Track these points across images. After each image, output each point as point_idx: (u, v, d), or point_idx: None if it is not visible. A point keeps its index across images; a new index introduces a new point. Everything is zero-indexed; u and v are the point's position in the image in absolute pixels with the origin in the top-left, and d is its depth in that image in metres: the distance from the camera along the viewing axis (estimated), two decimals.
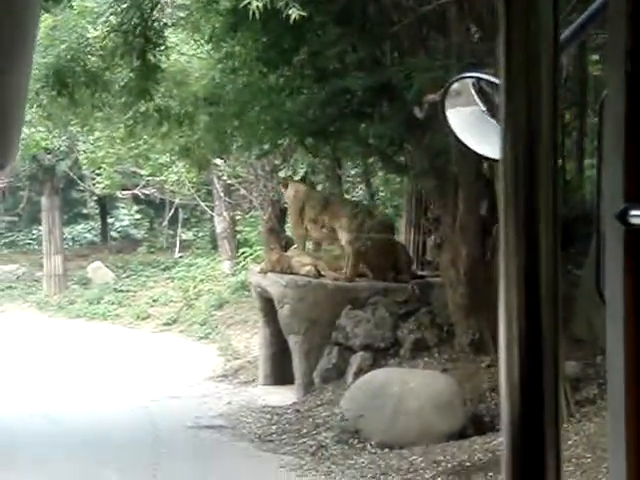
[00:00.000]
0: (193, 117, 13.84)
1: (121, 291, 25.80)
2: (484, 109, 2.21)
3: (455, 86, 2.15)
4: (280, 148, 17.71)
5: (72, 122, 16.09)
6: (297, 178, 18.49)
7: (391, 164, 14.20)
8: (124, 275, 27.34)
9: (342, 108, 12.94)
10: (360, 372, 13.41)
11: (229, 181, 23.74)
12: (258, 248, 24.52)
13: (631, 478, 1.29)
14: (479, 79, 2.25)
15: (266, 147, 16.21)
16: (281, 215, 22.23)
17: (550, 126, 0.99)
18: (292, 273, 14.71)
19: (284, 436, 12.21)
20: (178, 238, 27.91)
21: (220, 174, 23.09)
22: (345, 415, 11.87)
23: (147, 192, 25.92)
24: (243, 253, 24.83)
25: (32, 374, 16.77)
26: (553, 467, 0.98)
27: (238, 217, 25.76)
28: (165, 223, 27.51)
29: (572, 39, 1.62)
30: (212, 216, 28.18)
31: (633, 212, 1.28)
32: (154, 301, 24.59)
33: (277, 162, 20.59)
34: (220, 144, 15.10)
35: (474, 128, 2.25)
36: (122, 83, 13.21)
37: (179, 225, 28.22)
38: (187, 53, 14.75)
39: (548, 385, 0.98)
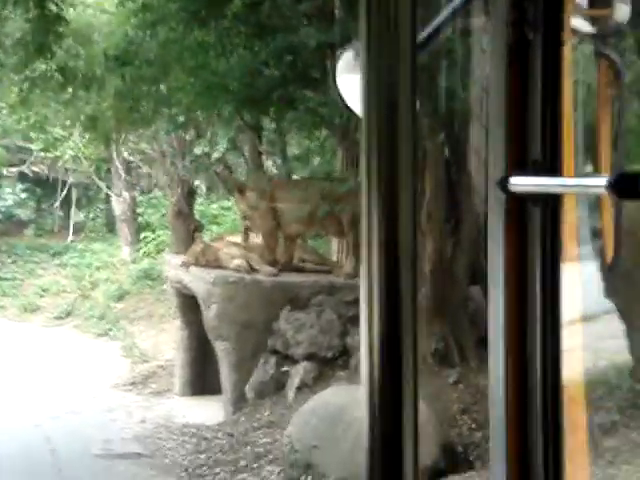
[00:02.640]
0: (103, 80, 11.45)
1: (5, 279, 23.08)
2: None
3: (348, 53, 1.85)
4: (195, 120, 15.52)
5: None
6: (216, 155, 16.25)
7: (347, 139, 12.02)
8: (9, 261, 24.61)
9: (287, 71, 10.77)
10: (303, 387, 11.31)
11: (130, 158, 21.33)
12: (161, 232, 22.21)
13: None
14: None
15: (181, 119, 13.97)
16: (189, 196, 19.99)
17: (408, 90, 0.99)
18: (220, 267, 12.47)
19: (217, 469, 10.00)
20: (71, 221, 25.23)
21: (120, 150, 20.65)
22: (294, 445, 9.70)
23: (36, 169, 23.23)
24: (145, 238, 22.45)
25: None
26: (410, 419, 1.00)
27: (139, 198, 23.32)
28: (57, 204, 24.79)
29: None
30: (109, 196, 25.71)
31: (513, 180, 1.33)
32: (44, 291, 21.99)
33: (188, 137, 18.31)
34: (133, 113, 12.73)
35: None
36: (17, 36, 10.79)
37: (72, 206, 25.53)
38: (95, 4, 12.33)
39: (407, 341, 1.00)
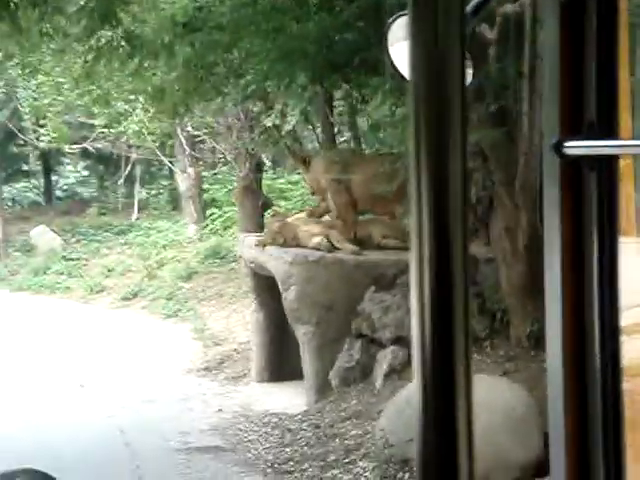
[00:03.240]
0: (171, 48, 10.69)
1: (70, 259, 22.59)
2: None
3: (400, 20, 2.12)
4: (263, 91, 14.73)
5: (15, 57, 12.59)
6: (288, 128, 15.43)
7: None
8: (73, 240, 24.13)
9: (370, 33, 9.93)
10: (391, 373, 10.54)
11: (195, 132, 20.63)
12: (228, 209, 21.52)
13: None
14: None
15: (251, 88, 13.19)
16: (257, 171, 19.26)
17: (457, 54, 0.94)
18: (298, 245, 11.70)
19: (305, 465, 9.26)
20: (135, 198, 24.62)
21: (184, 124, 19.95)
22: (389, 438, 8.94)
23: (99, 146, 22.62)
24: (211, 215, 21.77)
25: None
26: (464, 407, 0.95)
27: (204, 174, 22.63)
28: (121, 181, 24.19)
29: None
30: (172, 173, 25.09)
31: (568, 143, 1.31)
32: (109, 271, 21.42)
33: (256, 109, 17.54)
34: (204, 83, 11.97)
35: None
36: (81, 3, 10.07)
37: (137, 183, 24.92)
38: None
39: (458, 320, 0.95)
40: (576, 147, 1.31)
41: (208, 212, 21.85)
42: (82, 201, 27.90)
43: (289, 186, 21.99)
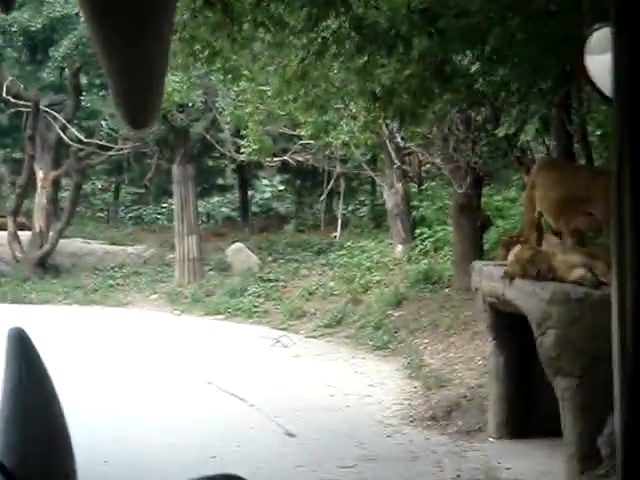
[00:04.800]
0: (409, 40, 8.82)
1: (268, 280, 21.10)
2: None
3: (600, 31, 2.01)
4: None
5: (217, 61, 10.93)
6: (525, 138, 13.37)
7: None
8: (269, 259, 22.69)
9: None
10: None
11: (405, 144, 18.79)
12: (439, 229, 19.57)
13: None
14: None
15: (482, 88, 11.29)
16: (476, 187, 17.25)
17: None
18: (555, 279, 9.61)
19: None
20: (339, 216, 22.94)
21: (393, 134, 18.16)
22: None
23: (299, 159, 21.07)
24: (421, 234, 19.85)
25: (155, 408, 12.14)
26: None
27: (413, 190, 20.78)
28: (323, 196, 22.56)
29: None
30: (374, 188, 23.37)
31: None
32: (310, 294, 19.80)
33: (480, 117, 15.58)
34: (432, 84, 10.06)
35: None
36: None
37: (338, 199, 23.26)
38: None
39: None
40: None
41: (417, 231, 19.96)
42: (278, 217, 26.54)
43: (506, 204, 19.87)
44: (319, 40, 8.73)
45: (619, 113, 0.90)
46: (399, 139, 18.54)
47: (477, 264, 11.48)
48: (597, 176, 10.26)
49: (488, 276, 10.60)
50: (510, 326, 10.44)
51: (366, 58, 9.02)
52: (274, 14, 8.59)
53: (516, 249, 10.12)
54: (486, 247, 17.64)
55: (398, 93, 9.82)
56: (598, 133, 15.79)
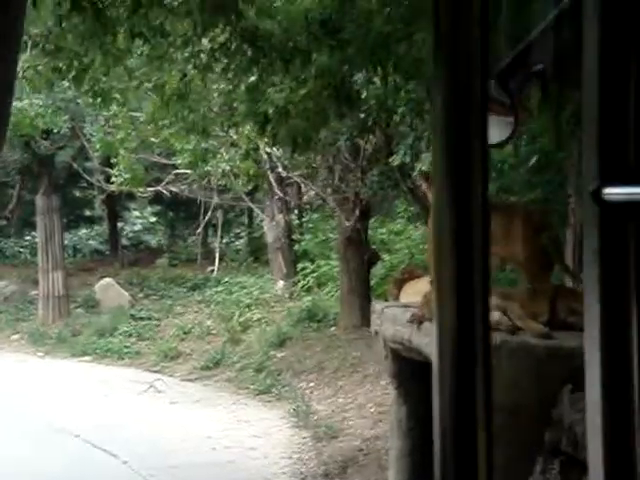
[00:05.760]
0: (307, 55, 7.80)
1: (140, 318, 19.74)
2: None
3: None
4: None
5: (86, 83, 9.65)
6: (421, 167, 12.48)
7: None
8: (141, 295, 21.34)
9: None
10: None
11: (285, 174, 17.77)
12: (323, 263, 18.59)
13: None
14: None
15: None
16: (363, 219, 16.35)
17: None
18: None
19: None
20: (217, 249, 21.74)
21: (274, 164, 17.12)
22: None
23: (174, 189, 19.83)
24: (303, 269, 18.83)
25: None
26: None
27: (295, 222, 19.79)
28: (199, 230, 21.32)
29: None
30: (251, 220, 22.32)
31: (607, 190, 1.27)
32: (185, 333, 18.53)
33: (369, 146, 14.65)
34: (330, 105, 9.05)
35: None
36: None
37: (218, 232, 22.07)
38: None
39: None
40: (616, 194, 1.23)
41: (299, 266, 18.94)
42: (150, 250, 25.19)
43: (392, 237, 19.04)
44: (205, 53, 7.60)
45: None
46: (280, 168, 17.47)
47: (378, 305, 10.47)
48: (514, 213, 9.38)
49: (391, 319, 9.57)
50: (415, 374, 9.47)
51: (259, 74, 7.93)
52: (154, 22, 7.45)
53: (425, 289, 9.16)
54: (372, 282, 16.76)
55: (292, 115, 8.76)
56: None
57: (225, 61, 7.61)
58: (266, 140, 10.46)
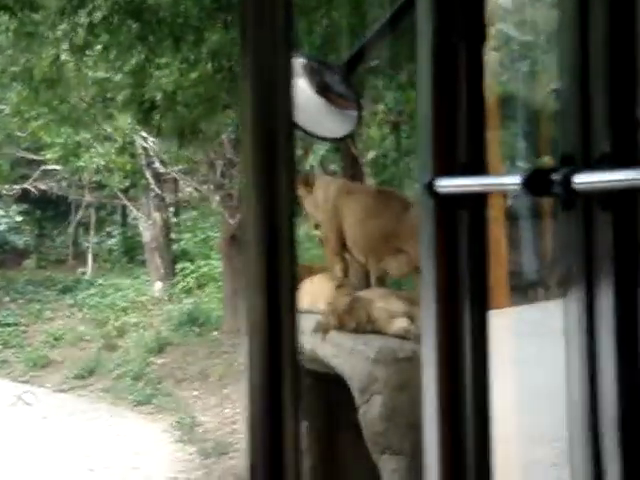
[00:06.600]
0: (201, 31, 6.91)
1: (6, 324, 18.41)
2: (315, 90, 2.16)
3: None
4: None
5: None
6: (312, 162, 11.69)
7: None
8: (7, 299, 19.98)
9: None
10: None
11: (163, 169, 16.76)
12: (203, 263, 17.66)
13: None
14: (309, 60, 2.23)
15: None
16: None
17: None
18: (374, 331, 7.89)
19: None
20: (90, 249, 20.53)
21: (151, 159, 16.11)
22: None
23: (43, 187, 18.58)
24: (182, 270, 17.85)
25: None
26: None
27: (173, 220, 18.78)
28: (71, 229, 20.07)
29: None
30: (125, 219, 21.22)
31: (439, 182, 1.31)
32: (56, 340, 17.32)
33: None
34: (221, 91, 8.17)
35: (307, 110, 2.15)
36: None
37: (91, 231, 20.87)
38: None
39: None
40: (447, 186, 1.29)
41: (178, 267, 17.95)
42: (16, 251, 23.74)
43: None
44: (83, 28, 6.61)
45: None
46: (157, 164, 16.45)
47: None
48: (408, 206, 8.63)
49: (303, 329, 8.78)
50: (315, 387, 8.67)
51: (145, 55, 6.98)
52: None
53: (330, 295, 8.37)
54: None
55: (181, 102, 7.84)
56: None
57: (107, 37, 6.65)
58: (146, 133, 9.45)
